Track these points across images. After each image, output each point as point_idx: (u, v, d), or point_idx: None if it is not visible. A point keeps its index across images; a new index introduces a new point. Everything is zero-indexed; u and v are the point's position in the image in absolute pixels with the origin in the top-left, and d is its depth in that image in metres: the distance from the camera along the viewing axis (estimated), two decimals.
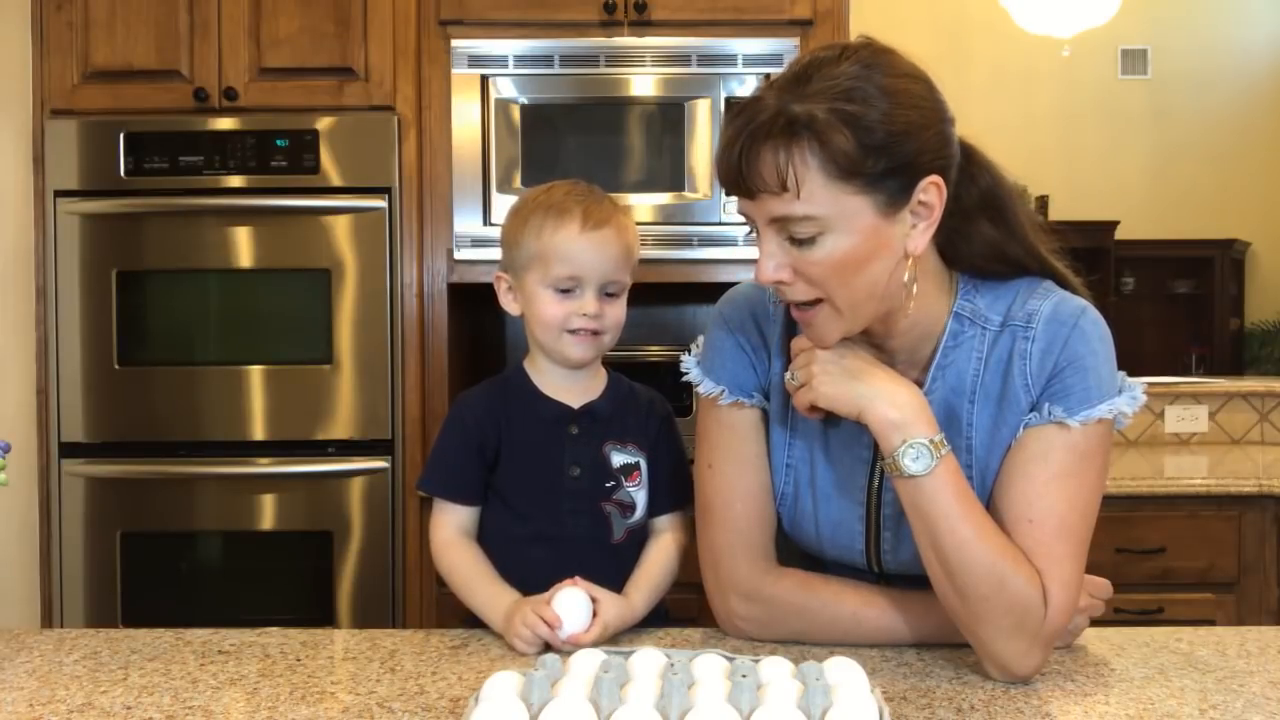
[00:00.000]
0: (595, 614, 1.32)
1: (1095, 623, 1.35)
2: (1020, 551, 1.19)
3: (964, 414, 1.27)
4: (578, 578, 1.34)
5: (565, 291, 1.42)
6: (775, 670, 1.05)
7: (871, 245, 1.16)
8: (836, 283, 1.18)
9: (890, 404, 1.20)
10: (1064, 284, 1.30)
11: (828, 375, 1.23)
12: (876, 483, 1.32)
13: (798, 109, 1.12)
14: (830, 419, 1.30)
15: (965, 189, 1.26)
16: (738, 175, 1.16)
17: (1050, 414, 1.22)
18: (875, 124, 1.12)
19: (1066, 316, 1.24)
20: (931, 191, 1.17)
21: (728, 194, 1.22)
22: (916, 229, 1.19)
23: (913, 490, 1.19)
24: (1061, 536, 1.20)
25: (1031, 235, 1.29)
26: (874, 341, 1.29)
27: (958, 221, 1.26)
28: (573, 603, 1.30)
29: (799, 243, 1.16)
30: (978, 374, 1.27)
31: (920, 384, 1.28)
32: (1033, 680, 1.20)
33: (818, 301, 1.20)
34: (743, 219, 1.22)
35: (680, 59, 2.72)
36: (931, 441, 1.18)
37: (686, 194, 2.71)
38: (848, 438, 1.32)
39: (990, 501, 1.25)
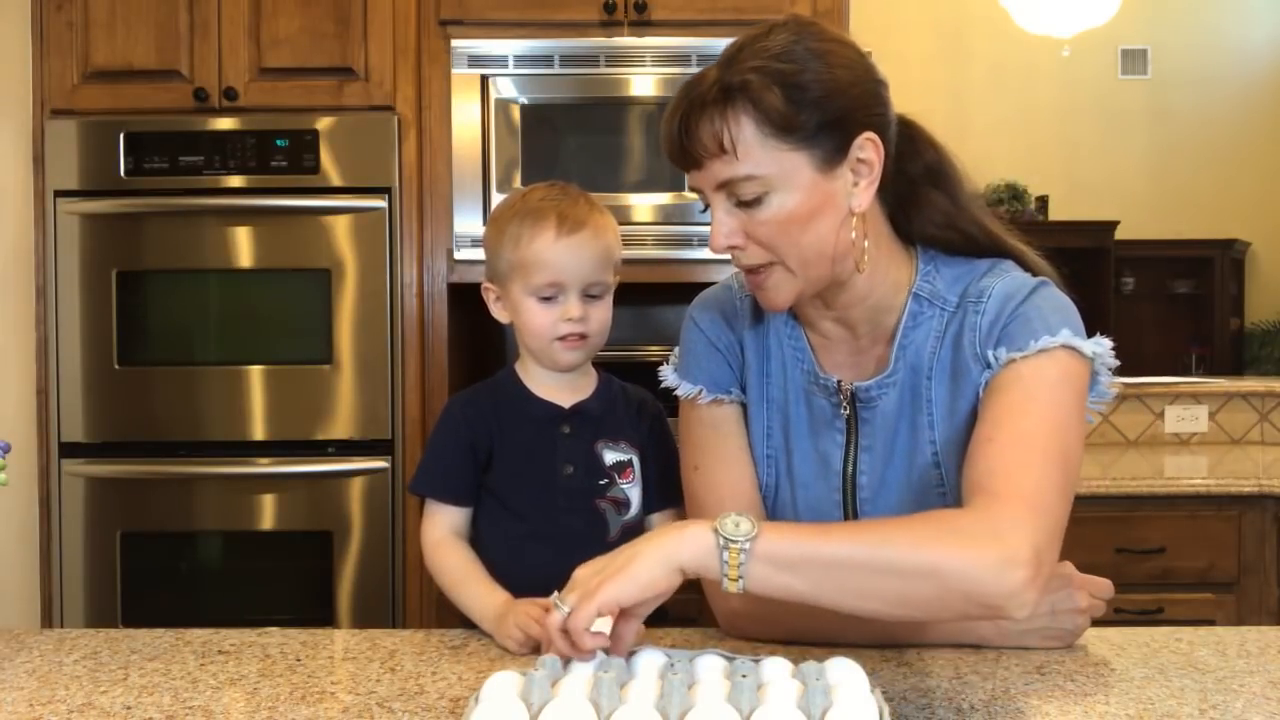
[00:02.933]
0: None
1: (1095, 623, 1.35)
2: (912, 519, 1.10)
3: (924, 391, 1.30)
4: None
5: (548, 299, 1.43)
6: (775, 670, 1.05)
7: (815, 201, 1.21)
8: (786, 242, 1.22)
9: (677, 543, 1.08)
10: (1025, 263, 1.32)
11: (606, 575, 1.09)
12: (851, 468, 1.34)
13: (732, 77, 1.19)
14: (807, 400, 1.34)
15: (910, 161, 1.30)
16: (680, 144, 1.22)
17: (998, 360, 1.23)
18: (806, 81, 1.18)
19: (1016, 290, 1.26)
20: (868, 148, 1.22)
21: (677, 167, 1.26)
22: (859, 186, 1.23)
23: (769, 584, 1.07)
24: (1026, 447, 1.14)
25: (979, 212, 1.33)
26: (834, 313, 1.32)
27: (905, 188, 1.30)
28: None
29: (746, 205, 1.21)
30: (935, 351, 1.29)
31: (885, 360, 1.31)
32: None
33: (771, 264, 1.24)
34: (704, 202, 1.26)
35: (680, 59, 2.72)
36: (726, 538, 1.05)
37: (686, 194, 2.71)
38: (821, 424, 1.35)
39: (959, 467, 1.24)
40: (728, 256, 1.28)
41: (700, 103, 1.20)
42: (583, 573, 1.12)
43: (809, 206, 1.21)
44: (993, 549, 1.06)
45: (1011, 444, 1.15)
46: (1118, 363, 1.27)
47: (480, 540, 1.47)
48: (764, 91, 1.17)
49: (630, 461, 1.48)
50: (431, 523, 1.47)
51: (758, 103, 1.18)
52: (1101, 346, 1.25)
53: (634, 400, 1.54)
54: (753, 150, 1.19)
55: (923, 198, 1.31)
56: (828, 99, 1.18)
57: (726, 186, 1.21)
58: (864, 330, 1.33)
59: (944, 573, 1.05)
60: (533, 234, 1.42)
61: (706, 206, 1.26)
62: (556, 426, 1.47)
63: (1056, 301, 1.26)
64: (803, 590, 1.06)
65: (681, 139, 1.21)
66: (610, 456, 1.47)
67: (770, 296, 1.27)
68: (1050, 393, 1.20)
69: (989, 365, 1.24)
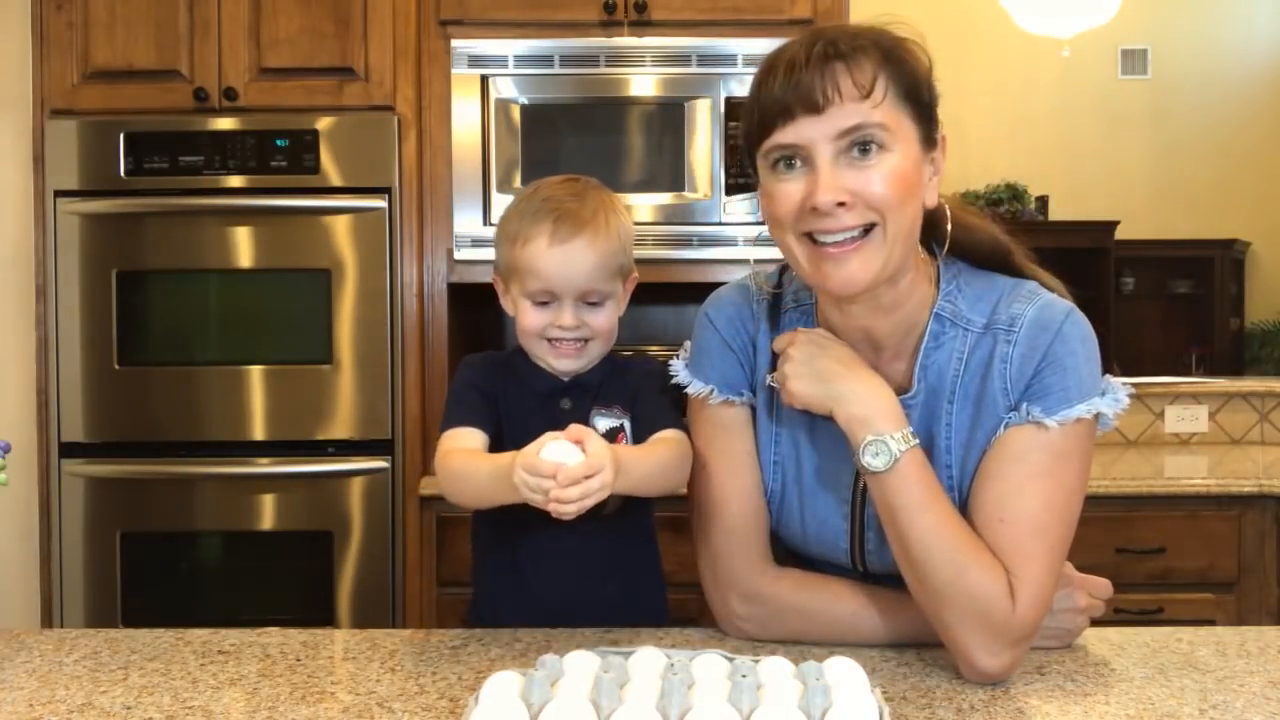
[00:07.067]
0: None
1: (1095, 623, 1.36)
2: (984, 548, 1.21)
3: (943, 414, 1.28)
4: (554, 433, 1.25)
5: (543, 303, 1.42)
6: (775, 670, 1.05)
7: (915, 176, 1.22)
8: (895, 201, 1.19)
9: (857, 402, 1.24)
10: (1044, 285, 1.31)
11: (799, 376, 1.27)
12: (862, 482, 1.32)
13: (880, 38, 1.22)
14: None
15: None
16: (811, 86, 1.17)
17: (1028, 414, 1.22)
18: (921, 62, 1.24)
19: (1049, 322, 1.25)
20: (942, 146, 1.26)
21: (778, 119, 1.19)
22: (932, 181, 1.25)
23: (879, 485, 1.23)
24: (1034, 536, 1.20)
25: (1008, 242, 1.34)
26: (861, 324, 1.29)
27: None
28: (562, 452, 1.23)
29: (864, 152, 1.18)
30: (958, 374, 1.28)
31: (903, 376, 1.30)
32: (1005, 682, 1.19)
33: (870, 229, 1.19)
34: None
35: (680, 59, 2.72)
36: (893, 437, 1.21)
37: (686, 194, 2.71)
38: (834, 434, 1.32)
39: (967, 500, 1.26)
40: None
41: (845, 47, 1.19)
42: (802, 359, 1.27)
43: (913, 176, 1.21)
44: (987, 635, 1.18)
45: (1024, 534, 1.20)
46: (1127, 401, 1.26)
47: (479, 513, 1.47)
48: (904, 53, 1.21)
49: (622, 426, 1.46)
50: (445, 440, 1.41)
51: (900, 61, 1.20)
52: (1121, 404, 1.25)
53: (634, 368, 1.50)
54: (889, 103, 1.19)
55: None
56: (932, 89, 1.24)
57: (850, 134, 1.17)
58: (889, 345, 1.30)
59: (948, 626, 1.20)
60: (527, 237, 1.40)
61: (791, 165, 1.20)
62: (557, 400, 1.46)
63: (1084, 339, 1.25)
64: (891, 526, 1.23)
65: (815, 80, 1.17)
66: (603, 424, 1.44)
67: (850, 270, 1.20)
68: (1067, 465, 1.23)
69: (1015, 409, 1.24)
